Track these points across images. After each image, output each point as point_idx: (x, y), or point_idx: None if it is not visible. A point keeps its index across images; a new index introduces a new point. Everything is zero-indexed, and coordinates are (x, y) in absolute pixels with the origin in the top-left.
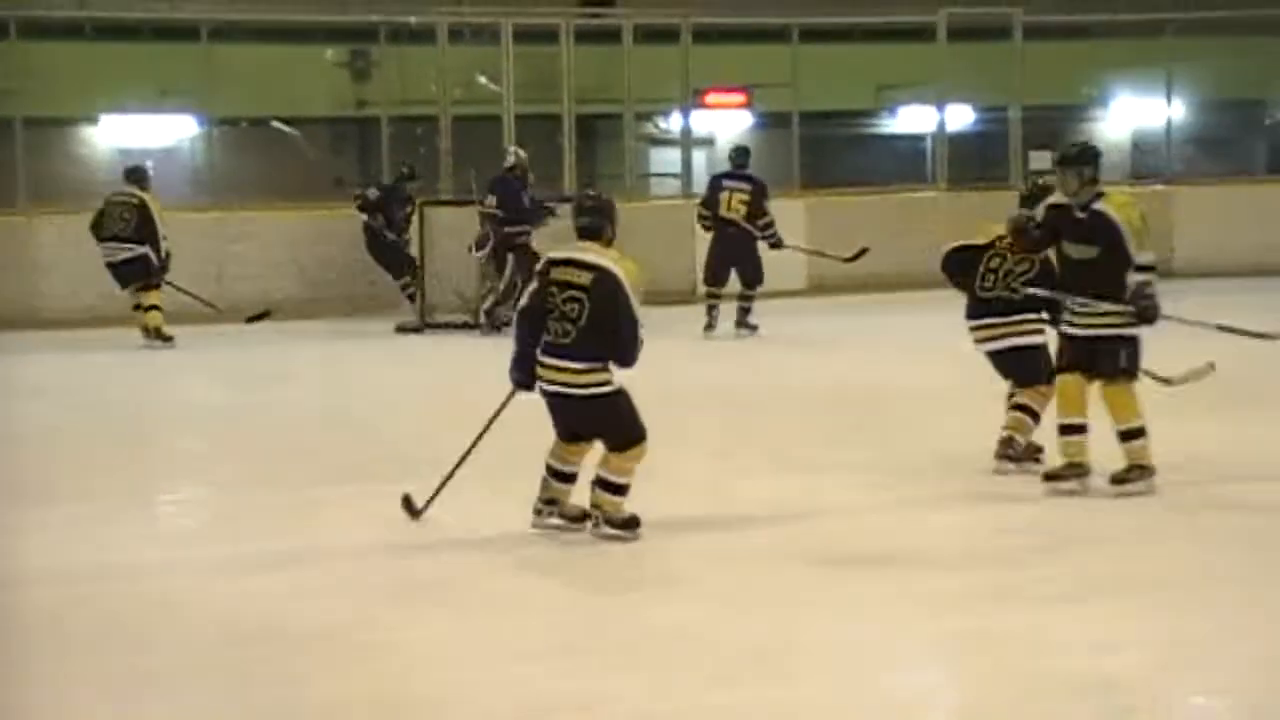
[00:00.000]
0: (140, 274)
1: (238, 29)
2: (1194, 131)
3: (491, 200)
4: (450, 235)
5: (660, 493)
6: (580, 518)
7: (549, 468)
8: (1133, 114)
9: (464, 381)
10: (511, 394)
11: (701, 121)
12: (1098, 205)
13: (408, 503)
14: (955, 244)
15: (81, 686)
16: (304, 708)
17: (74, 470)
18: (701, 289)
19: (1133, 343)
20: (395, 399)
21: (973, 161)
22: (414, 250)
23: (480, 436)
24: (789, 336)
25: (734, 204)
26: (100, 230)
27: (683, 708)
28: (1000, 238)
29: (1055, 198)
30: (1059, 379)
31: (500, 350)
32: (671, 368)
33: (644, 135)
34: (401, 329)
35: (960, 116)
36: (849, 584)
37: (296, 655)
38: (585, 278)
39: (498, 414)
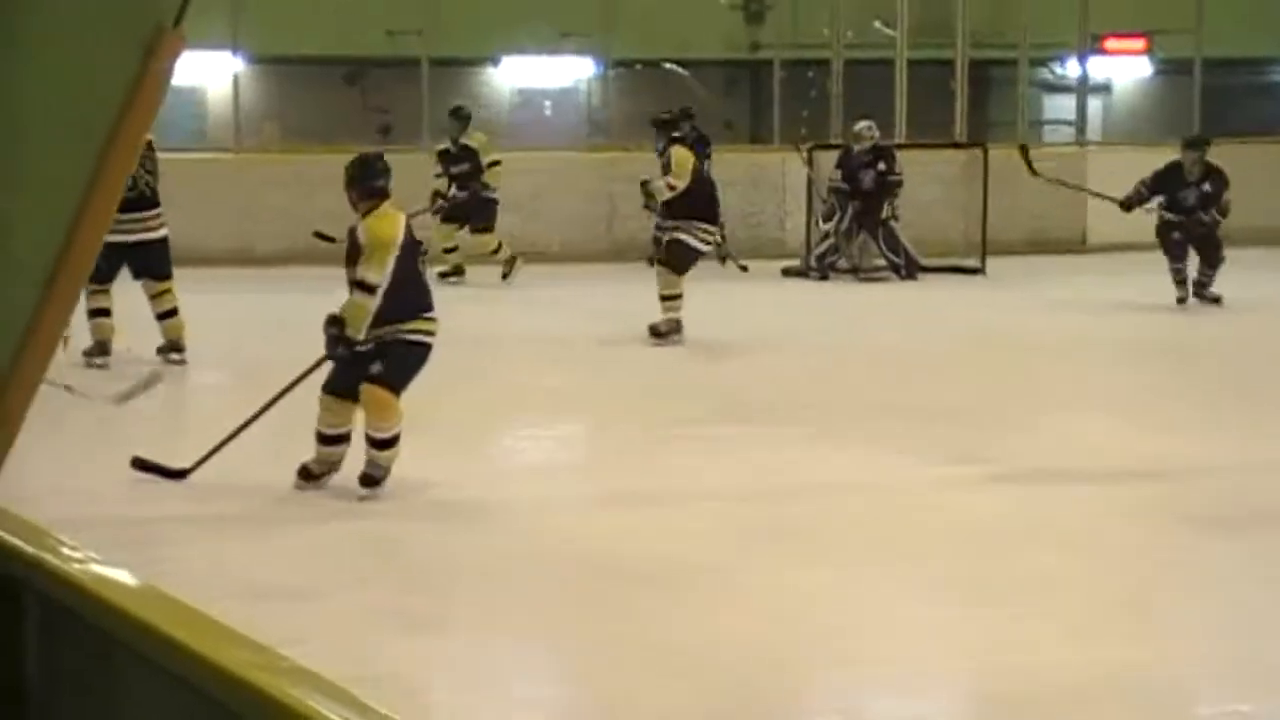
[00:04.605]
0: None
1: None
2: None
3: (837, 174)
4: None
5: (1045, 445)
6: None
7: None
8: None
9: (842, 324)
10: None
11: (1098, 68)
12: None
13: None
14: None
15: (448, 614)
16: (667, 645)
17: (439, 400)
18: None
19: None
20: (769, 341)
21: None
22: (799, 193)
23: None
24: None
25: None
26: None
27: (1039, 661)
28: None
29: None
30: None
31: (849, 291)
32: (1057, 321)
33: (1038, 81)
34: (788, 272)
35: None
36: (1221, 540)
37: (658, 593)
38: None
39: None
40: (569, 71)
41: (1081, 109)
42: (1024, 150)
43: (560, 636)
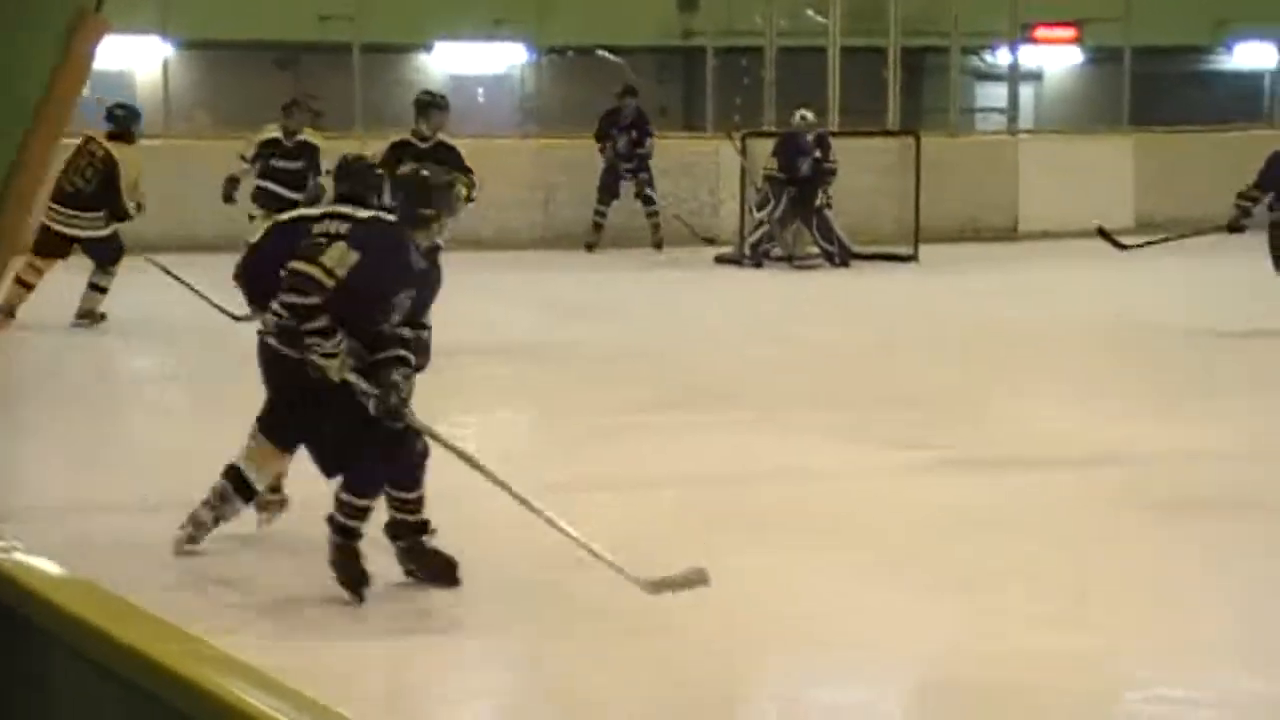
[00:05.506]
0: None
1: None
2: None
3: (773, 162)
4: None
5: (994, 431)
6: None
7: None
8: None
9: (778, 312)
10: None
11: (1030, 56)
12: None
13: None
14: None
15: (394, 605)
16: (619, 633)
17: None
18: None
19: None
20: (708, 329)
21: None
22: (732, 181)
23: None
24: (1115, 279)
25: None
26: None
27: (1003, 649)
28: None
29: None
30: None
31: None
32: (990, 308)
33: (970, 69)
34: (721, 259)
35: None
36: (1171, 526)
37: (609, 581)
38: None
39: None
40: (502, 58)
41: (1013, 97)
42: (1103, 233)
43: (509, 625)
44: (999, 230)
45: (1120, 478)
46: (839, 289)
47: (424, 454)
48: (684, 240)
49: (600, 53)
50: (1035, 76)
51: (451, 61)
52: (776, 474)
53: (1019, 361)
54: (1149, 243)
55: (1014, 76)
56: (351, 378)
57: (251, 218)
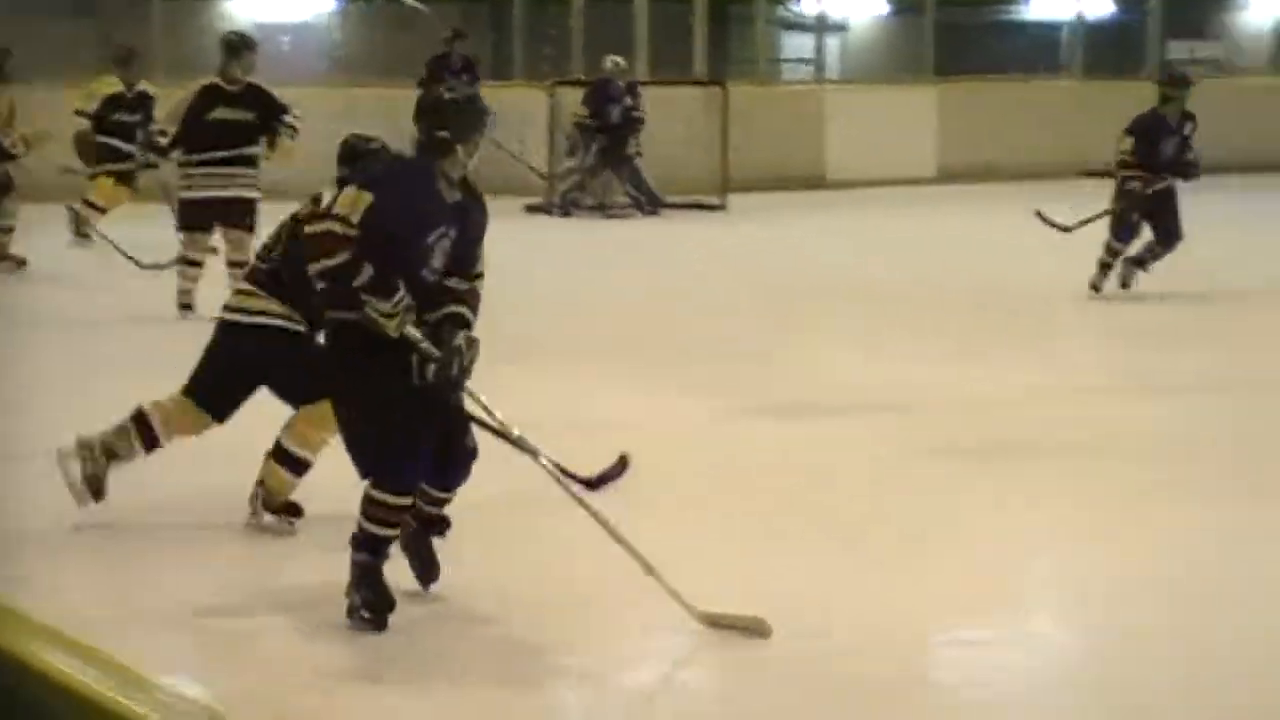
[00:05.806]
0: None
1: None
2: None
3: (584, 111)
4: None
5: (805, 380)
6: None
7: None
8: None
9: (588, 261)
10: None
11: (835, 6)
12: None
13: None
14: None
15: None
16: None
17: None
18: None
19: None
20: (513, 278)
21: (1110, 51)
22: (540, 129)
23: None
24: (918, 227)
25: None
26: None
27: (832, 595)
28: None
29: None
30: None
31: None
32: (798, 256)
33: (776, 19)
34: (531, 208)
35: (1098, 4)
36: (971, 470)
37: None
38: None
39: None
40: (308, 5)
41: (819, 47)
42: (1041, 216)
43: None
44: (806, 179)
45: (921, 424)
46: (649, 238)
47: (475, 452)
48: (493, 189)
49: (407, 1)
50: (841, 27)
51: (255, 8)
52: (595, 425)
53: (826, 309)
54: (1083, 221)
55: (820, 27)
56: (411, 332)
57: (95, 175)
